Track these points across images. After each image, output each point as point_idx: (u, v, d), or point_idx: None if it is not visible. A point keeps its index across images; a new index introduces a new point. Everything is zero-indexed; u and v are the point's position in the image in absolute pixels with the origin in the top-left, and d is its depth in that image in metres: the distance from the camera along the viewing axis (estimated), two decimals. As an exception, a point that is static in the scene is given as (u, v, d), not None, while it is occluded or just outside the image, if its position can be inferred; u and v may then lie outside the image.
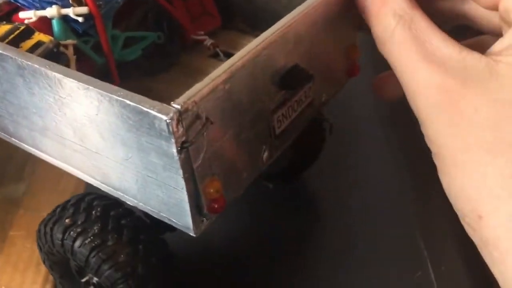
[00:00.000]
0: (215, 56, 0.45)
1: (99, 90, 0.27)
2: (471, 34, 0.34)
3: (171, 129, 0.25)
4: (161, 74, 0.43)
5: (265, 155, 0.34)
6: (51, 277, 0.48)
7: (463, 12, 0.32)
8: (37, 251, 0.51)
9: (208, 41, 0.44)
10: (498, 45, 0.27)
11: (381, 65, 0.33)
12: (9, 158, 0.61)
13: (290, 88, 0.33)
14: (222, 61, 0.44)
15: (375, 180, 0.52)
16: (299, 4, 0.41)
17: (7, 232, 0.53)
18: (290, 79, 0.33)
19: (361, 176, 0.53)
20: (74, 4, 0.35)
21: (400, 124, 0.57)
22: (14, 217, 0.55)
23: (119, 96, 0.27)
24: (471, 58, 0.26)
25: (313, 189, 0.52)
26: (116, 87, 0.27)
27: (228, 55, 0.45)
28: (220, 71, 0.28)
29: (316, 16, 0.34)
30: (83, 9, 0.34)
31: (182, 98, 0.26)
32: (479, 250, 0.25)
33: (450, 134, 0.25)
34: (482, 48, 0.27)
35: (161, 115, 0.25)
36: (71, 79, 0.28)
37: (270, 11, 0.44)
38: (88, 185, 0.57)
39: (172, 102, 0.26)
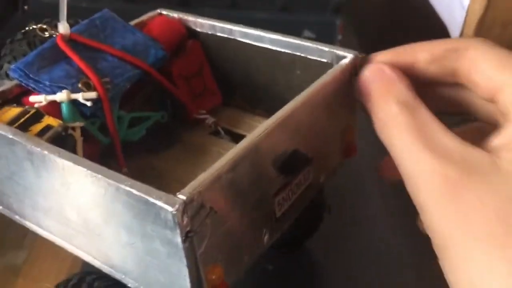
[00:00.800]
0: (216, 133, 0.46)
1: (107, 179, 0.28)
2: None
3: (176, 220, 0.26)
4: (164, 152, 0.44)
5: (266, 237, 0.34)
6: None
7: (460, 101, 0.33)
8: (36, 322, 0.51)
9: (210, 120, 0.45)
10: (498, 140, 0.27)
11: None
12: (9, 226, 0.61)
13: (290, 173, 0.34)
14: (222, 138, 0.46)
15: (379, 249, 0.52)
16: (297, 84, 0.43)
17: (6, 302, 0.53)
18: (291, 165, 0.34)
19: (364, 247, 0.53)
20: (83, 89, 0.37)
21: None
22: (13, 286, 0.54)
23: (126, 185, 0.27)
24: (473, 152, 0.26)
25: (314, 261, 0.52)
26: (123, 177, 0.28)
27: (228, 133, 0.46)
28: (223, 161, 0.29)
29: (316, 101, 0.36)
30: (92, 94, 0.36)
31: (187, 189, 0.27)
32: None
33: (457, 225, 0.25)
34: (479, 135, 0.28)
35: (167, 206, 0.26)
36: (80, 167, 0.29)
37: (269, 90, 0.46)
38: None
39: (177, 193, 0.27)
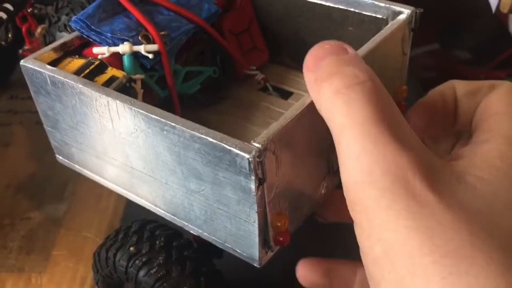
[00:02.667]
0: (264, 89, 0.47)
1: (181, 127, 0.29)
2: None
3: (252, 166, 0.27)
4: (214, 106, 0.45)
5: (323, 190, 0.35)
6: (95, 297, 0.50)
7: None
8: (80, 270, 0.53)
9: (259, 76, 0.46)
10: (467, 152, 0.24)
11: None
12: (50, 178, 0.63)
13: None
14: (271, 94, 0.46)
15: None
16: (347, 42, 0.43)
17: (49, 252, 0.55)
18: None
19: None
20: (143, 41, 0.37)
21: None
22: (56, 236, 0.56)
23: (201, 133, 0.28)
24: (440, 163, 0.23)
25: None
26: (197, 125, 0.29)
27: (276, 89, 0.47)
28: (293, 112, 0.30)
29: (374, 58, 0.36)
30: (154, 47, 0.36)
31: (261, 137, 0.28)
32: None
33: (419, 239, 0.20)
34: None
35: (244, 153, 0.27)
36: (153, 115, 0.30)
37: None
38: (128, 206, 0.59)
39: (252, 141, 0.27)
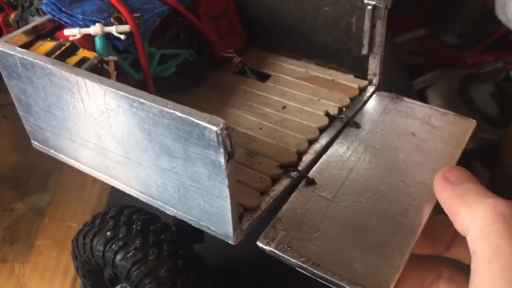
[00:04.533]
0: (242, 72, 0.47)
1: (150, 102, 0.29)
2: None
3: (220, 139, 0.27)
4: (191, 89, 0.45)
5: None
6: (77, 286, 0.50)
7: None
8: (63, 259, 0.53)
9: (237, 59, 0.46)
10: None
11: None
12: (33, 169, 0.62)
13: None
14: (249, 77, 0.46)
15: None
16: (324, 23, 0.43)
17: (33, 241, 0.55)
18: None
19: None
20: (115, 23, 0.37)
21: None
22: (39, 226, 0.56)
23: (169, 108, 0.28)
24: None
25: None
26: (165, 100, 0.29)
27: (254, 72, 0.47)
28: None
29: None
30: (126, 27, 0.36)
31: (229, 111, 0.28)
32: None
33: None
34: None
35: (212, 126, 0.27)
36: (122, 92, 0.30)
37: (294, 30, 0.46)
38: (111, 195, 0.59)
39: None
